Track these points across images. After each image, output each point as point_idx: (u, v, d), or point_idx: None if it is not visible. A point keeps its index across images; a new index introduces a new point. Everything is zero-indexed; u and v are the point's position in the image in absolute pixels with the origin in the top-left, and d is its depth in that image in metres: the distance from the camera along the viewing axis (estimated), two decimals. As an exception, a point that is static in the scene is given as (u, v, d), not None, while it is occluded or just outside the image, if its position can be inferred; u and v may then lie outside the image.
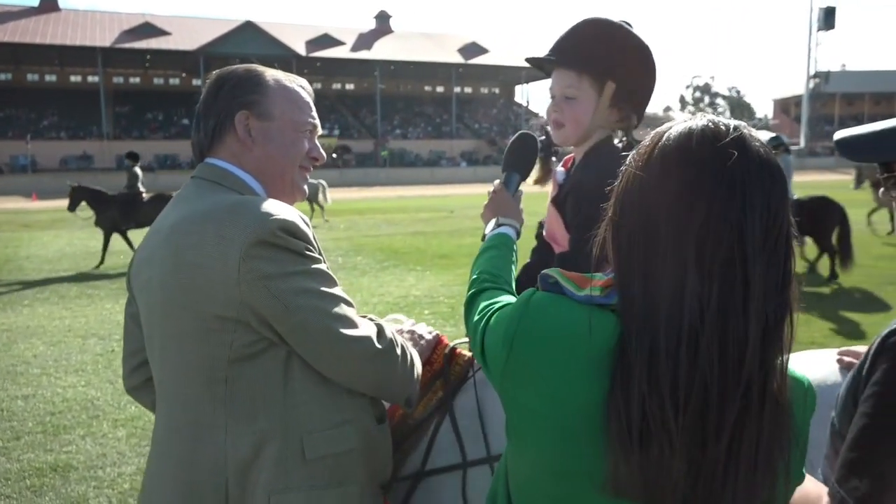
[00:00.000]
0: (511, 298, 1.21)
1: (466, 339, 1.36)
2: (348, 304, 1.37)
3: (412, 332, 1.72)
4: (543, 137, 1.93)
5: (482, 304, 1.22)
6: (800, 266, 9.36)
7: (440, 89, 75.35)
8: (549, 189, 1.96)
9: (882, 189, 1.21)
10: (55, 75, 64.25)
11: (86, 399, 5.11)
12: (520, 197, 1.68)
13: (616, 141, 1.82)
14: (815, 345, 5.54)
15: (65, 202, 12.59)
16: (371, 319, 1.44)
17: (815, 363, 1.56)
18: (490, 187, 1.68)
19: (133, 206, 11.90)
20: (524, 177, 1.70)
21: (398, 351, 1.41)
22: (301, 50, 58.74)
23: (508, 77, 74.73)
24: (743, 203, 0.88)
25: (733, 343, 0.87)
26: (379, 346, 1.37)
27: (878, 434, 1.00)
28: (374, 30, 70.24)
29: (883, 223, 14.54)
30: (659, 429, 0.87)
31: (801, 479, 1.02)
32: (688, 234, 0.89)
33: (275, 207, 1.34)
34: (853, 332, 6.46)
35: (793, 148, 39.92)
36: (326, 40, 63.00)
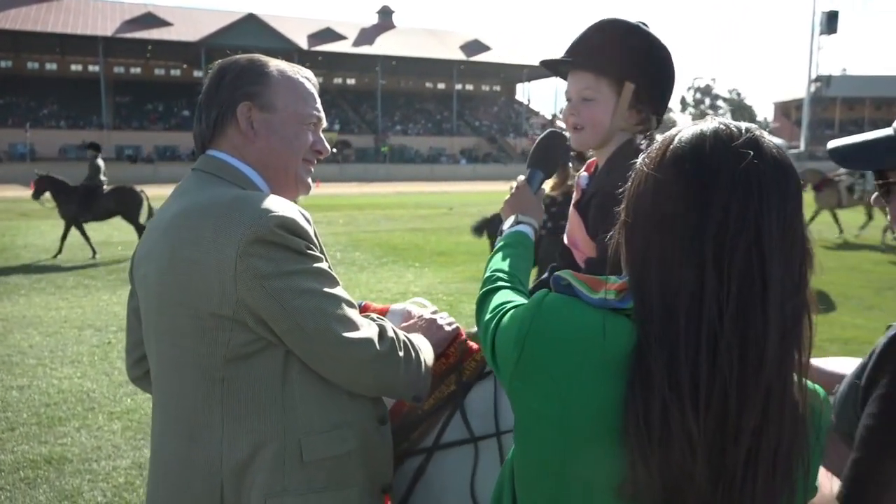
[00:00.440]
0: (523, 299, 1.19)
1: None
2: (349, 304, 1.34)
3: (432, 321, 1.66)
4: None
5: (494, 303, 1.20)
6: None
7: (441, 86, 75.22)
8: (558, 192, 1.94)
9: (875, 195, 1.25)
10: (55, 64, 64.06)
11: (81, 391, 5.08)
12: (542, 195, 1.66)
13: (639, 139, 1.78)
14: (815, 349, 5.51)
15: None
16: (373, 319, 1.41)
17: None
18: (513, 183, 1.67)
19: (90, 199, 11.70)
20: (548, 175, 1.69)
21: (401, 353, 1.37)
22: (303, 43, 58.65)
23: (510, 75, 74.62)
24: (760, 204, 0.88)
25: (752, 345, 0.87)
26: (379, 348, 1.33)
27: (885, 436, 1.00)
28: (376, 25, 70.13)
29: (829, 226, 14.60)
30: (680, 432, 0.86)
31: (814, 493, 1.01)
32: (705, 236, 0.88)
33: (274, 203, 1.31)
34: (853, 338, 6.44)
35: (793, 151, 39.94)
36: (328, 34, 62.92)
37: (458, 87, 70.58)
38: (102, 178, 12.03)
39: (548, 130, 1.73)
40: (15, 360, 5.82)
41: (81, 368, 5.62)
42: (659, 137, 1.01)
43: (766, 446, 0.89)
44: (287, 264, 1.27)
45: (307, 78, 1.52)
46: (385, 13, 71.62)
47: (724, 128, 0.95)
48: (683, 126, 0.99)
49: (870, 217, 14.61)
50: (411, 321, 1.67)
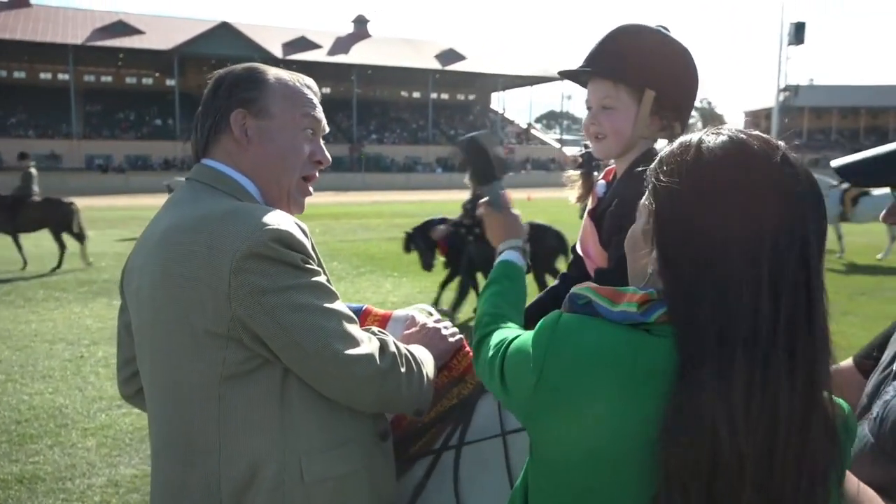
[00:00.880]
0: (520, 330, 1.17)
1: None
2: (349, 319, 1.29)
3: (435, 331, 1.61)
4: (583, 151, 1.86)
5: (494, 342, 1.17)
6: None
7: (417, 95, 75.35)
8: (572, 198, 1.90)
9: (887, 210, 1.24)
10: (24, 72, 63.00)
11: (53, 407, 4.94)
12: (509, 201, 1.58)
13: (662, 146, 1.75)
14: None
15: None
16: (374, 333, 1.36)
17: None
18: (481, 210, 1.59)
19: (17, 210, 11.24)
20: (500, 177, 1.59)
21: (402, 368, 1.33)
22: (277, 52, 58.33)
23: (485, 84, 74.95)
24: (803, 217, 0.88)
25: (801, 361, 0.86)
26: (380, 364, 1.29)
27: None
28: (351, 34, 70.09)
29: None
30: (731, 454, 0.84)
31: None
32: (762, 254, 0.87)
33: (269, 216, 1.25)
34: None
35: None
36: (303, 43, 62.71)
37: (434, 95, 70.75)
38: (35, 188, 11.60)
39: (465, 142, 1.62)
40: (-17, 376, 5.65)
41: (53, 384, 5.47)
42: (673, 149, 0.98)
43: (809, 461, 0.87)
44: (283, 279, 1.22)
45: (308, 86, 1.47)
46: (360, 22, 71.57)
47: (758, 141, 0.93)
48: (696, 134, 0.97)
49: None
50: (414, 329, 1.62)
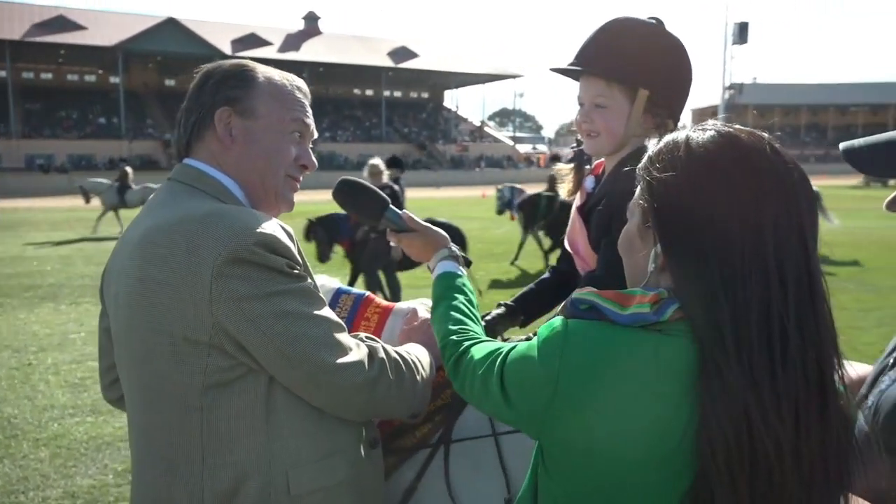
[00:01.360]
0: (500, 342, 1.15)
1: None
2: (336, 326, 1.25)
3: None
4: (576, 147, 1.84)
5: (477, 357, 1.13)
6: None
7: (370, 93, 74.80)
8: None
9: (891, 198, 1.20)
10: (-42, 69, 60.43)
11: (2, 417, 4.74)
12: (409, 219, 1.54)
13: (653, 143, 1.73)
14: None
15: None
16: (362, 340, 1.32)
17: None
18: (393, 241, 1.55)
19: None
20: (386, 203, 1.53)
21: (392, 375, 1.28)
22: (227, 49, 57.10)
23: (438, 82, 74.90)
24: (799, 205, 0.90)
25: (811, 346, 0.88)
26: (370, 373, 1.24)
27: None
28: (302, 31, 69.15)
29: None
30: (768, 443, 0.86)
31: None
32: (765, 240, 0.89)
33: (252, 219, 1.21)
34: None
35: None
36: (253, 40, 61.60)
37: (387, 93, 70.39)
38: None
39: (341, 187, 1.54)
40: (-76, 387, 5.40)
41: (0, 393, 5.25)
42: (661, 147, 0.99)
43: (834, 444, 0.90)
44: (267, 285, 1.17)
45: (297, 87, 1.41)
46: (311, 19, 70.68)
47: (743, 134, 0.95)
48: (686, 133, 0.98)
49: None
50: (414, 325, 1.57)
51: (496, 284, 9.83)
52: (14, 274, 10.79)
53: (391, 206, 1.55)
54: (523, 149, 70.93)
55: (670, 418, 0.88)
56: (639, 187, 1.03)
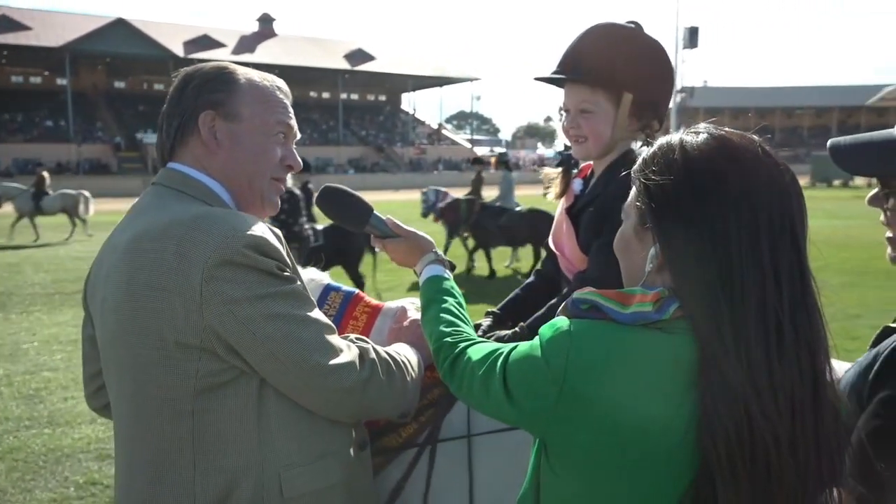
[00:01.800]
0: (495, 343, 1.17)
1: None
2: (327, 328, 1.26)
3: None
4: (561, 152, 1.88)
5: (475, 358, 1.14)
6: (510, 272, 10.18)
7: (326, 95, 74.22)
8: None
9: (873, 194, 1.22)
10: None
11: (-47, 432, 4.60)
12: (393, 224, 1.55)
13: (638, 145, 1.77)
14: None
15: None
16: (353, 341, 1.33)
17: None
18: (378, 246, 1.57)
19: None
20: (370, 210, 1.56)
21: (383, 376, 1.30)
22: (178, 51, 56.06)
23: (395, 85, 74.77)
24: (790, 205, 0.94)
25: (804, 341, 0.92)
26: (361, 374, 1.26)
27: (891, 436, 1.02)
28: (256, 32, 68.23)
29: None
30: (768, 438, 0.89)
31: None
32: (760, 240, 0.92)
33: (241, 221, 1.22)
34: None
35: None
36: (206, 42, 60.53)
37: (344, 96, 69.94)
38: None
39: (324, 195, 1.56)
40: None
41: (-50, 407, 5.09)
42: (655, 150, 1.01)
43: (827, 436, 0.93)
44: (257, 287, 1.18)
45: (279, 87, 1.42)
46: (265, 21, 69.78)
47: (734, 136, 0.98)
48: (680, 136, 1.01)
49: None
50: (404, 325, 1.59)
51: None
52: (-41, 283, 10.43)
53: (376, 212, 1.57)
54: (481, 151, 71.27)
55: (674, 414, 0.91)
56: (634, 189, 1.06)
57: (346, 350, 1.27)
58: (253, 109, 1.36)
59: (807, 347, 0.92)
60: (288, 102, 1.43)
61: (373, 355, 1.31)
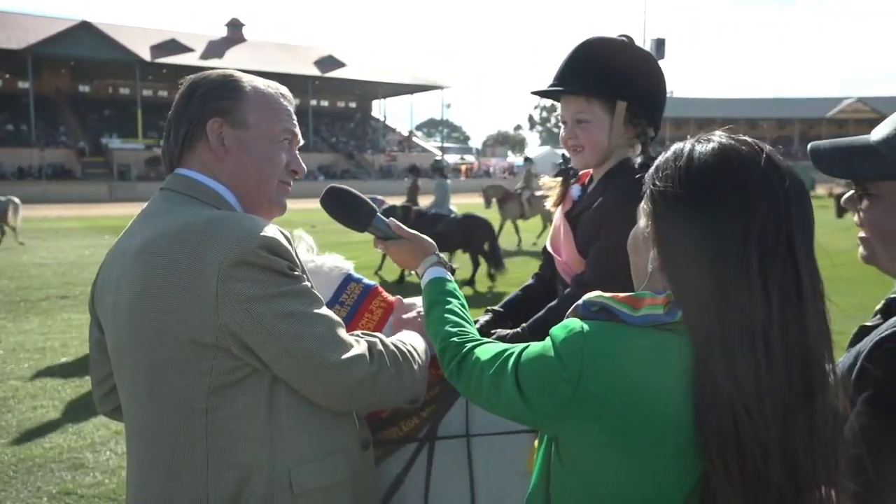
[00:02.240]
0: (503, 344, 1.19)
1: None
2: (336, 324, 1.31)
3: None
4: (561, 162, 1.94)
5: (484, 358, 1.17)
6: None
7: (296, 102, 72.63)
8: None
9: (848, 195, 1.28)
10: None
11: (-82, 442, 4.48)
12: (395, 225, 1.58)
13: (636, 153, 1.83)
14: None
15: None
16: (359, 337, 1.37)
17: None
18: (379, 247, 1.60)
19: None
20: (374, 212, 1.59)
21: (392, 367, 1.35)
22: (145, 55, 55.24)
23: (365, 91, 74.66)
24: (790, 218, 0.96)
25: (797, 350, 0.94)
26: (371, 367, 1.31)
27: (877, 436, 1.06)
28: (225, 37, 67.58)
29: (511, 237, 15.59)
30: (752, 438, 0.92)
31: None
32: (749, 251, 0.94)
33: (254, 224, 1.26)
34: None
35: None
36: (173, 46, 59.74)
37: (314, 102, 69.53)
38: None
39: (329, 195, 1.59)
40: None
41: (-86, 417, 4.95)
42: (667, 156, 1.05)
43: (821, 438, 0.96)
44: (271, 286, 1.23)
45: (283, 94, 1.47)
46: (235, 26, 69.19)
47: (745, 146, 1.00)
48: (690, 142, 1.04)
49: (545, 227, 15.48)
50: (410, 315, 1.63)
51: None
52: (-81, 290, 10.14)
53: (379, 213, 1.59)
54: (452, 159, 71.51)
55: (682, 413, 0.95)
56: (645, 193, 1.11)
57: (356, 344, 1.32)
58: (259, 117, 1.40)
59: (800, 357, 0.95)
60: (292, 109, 1.48)
61: (381, 347, 1.36)
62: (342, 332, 1.31)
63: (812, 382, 0.96)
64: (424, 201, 13.16)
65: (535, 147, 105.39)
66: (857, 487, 1.03)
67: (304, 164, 1.50)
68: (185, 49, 60.17)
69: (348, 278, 1.72)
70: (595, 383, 0.98)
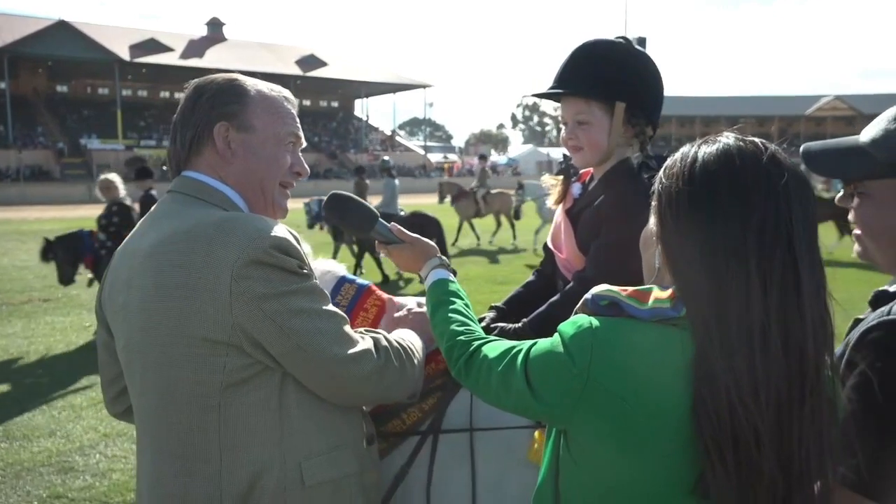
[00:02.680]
0: (510, 341, 1.21)
1: None
2: (343, 320, 1.34)
3: (423, 316, 1.62)
4: (562, 162, 1.98)
5: (492, 355, 1.19)
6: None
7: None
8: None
9: (840, 194, 1.32)
10: None
11: None
12: (396, 230, 1.61)
13: (634, 152, 1.86)
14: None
15: None
16: (363, 333, 1.40)
17: None
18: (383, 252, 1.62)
19: None
20: (376, 217, 1.61)
21: (396, 362, 1.39)
22: (124, 55, 54.61)
23: (348, 91, 74.50)
24: (790, 215, 0.98)
25: (794, 345, 0.96)
26: (377, 361, 1.34)
27: (865, 422, 1.09)
28: (205, 37, 67.00)
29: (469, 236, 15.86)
30: (747, 430, 0.95)
31: None
32: (749, 249, 0.96)
33: (265, 224, 1.29)
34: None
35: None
36: (153, 45, 59.12)
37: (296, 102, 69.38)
38: None
39: (332, 201, 1.62)
40: None
41: None
42: (677, 154, 1.08)
43: (813, 432, 0.98)
44: (282, 285, 1.26)
45: (286, 98, 1.49)
46: (215, 25, 68.65)
47: (748, 145, 1.03)
48: (699, 142, 1.07)
49: (499, 225, 15.97)
50: (403, 313, 1.67)
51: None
52: None
53: (380, 218, 1.61)
54: (434, 158, 71.55)
55: (688, 405, 0.97)
56: (653, 192, 1.14)
57: (362, 340, 1.36)
58: (264, 120, 1.43)
59: (797, 350, 0.97)
60: (295, 112, 1.51)
61: (385, 343, 1.40)
62: (349, 329, 1.35)
63: (808, 376, 0.98)
64: (374, 201, 13.15)
65: (518, 145, 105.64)
66: (846, 472, 1.06)
67: (307, 166, 1.53)
68: (164, 48, 59.61)
69: (342, 280, 1.76)
70: (604, 377, 1.00)
